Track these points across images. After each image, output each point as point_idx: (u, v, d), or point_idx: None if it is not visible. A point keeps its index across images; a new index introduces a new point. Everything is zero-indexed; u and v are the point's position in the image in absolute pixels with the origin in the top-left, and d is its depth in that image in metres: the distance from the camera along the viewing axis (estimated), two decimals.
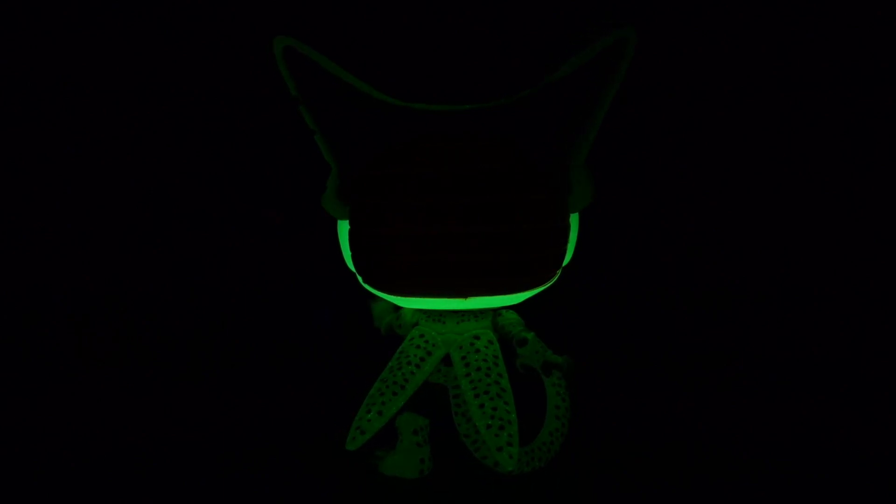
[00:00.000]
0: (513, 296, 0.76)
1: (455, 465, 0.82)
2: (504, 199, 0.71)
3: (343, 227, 0.78)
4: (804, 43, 1.01)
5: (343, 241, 0.78)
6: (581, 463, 0.85)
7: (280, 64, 0.72)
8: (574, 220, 0.78)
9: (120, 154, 1.07)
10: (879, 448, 0.87)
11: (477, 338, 0.77)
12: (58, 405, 1.00)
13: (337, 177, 0.77)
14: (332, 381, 1.03)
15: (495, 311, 0.80)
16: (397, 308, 0.83)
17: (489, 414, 0.71)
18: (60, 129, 1.06)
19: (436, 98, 0.76)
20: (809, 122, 1.03)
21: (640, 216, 1.08)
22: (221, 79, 1.03)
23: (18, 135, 1.05)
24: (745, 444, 0.89)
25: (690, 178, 1.06)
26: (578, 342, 0.84)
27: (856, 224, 1.04)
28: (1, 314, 1.08)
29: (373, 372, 0.79)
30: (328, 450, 0.87)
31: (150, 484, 0.82)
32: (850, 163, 1.04)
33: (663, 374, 1.05)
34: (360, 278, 0.78)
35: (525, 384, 0.79)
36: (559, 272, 0.77)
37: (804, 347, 1.05)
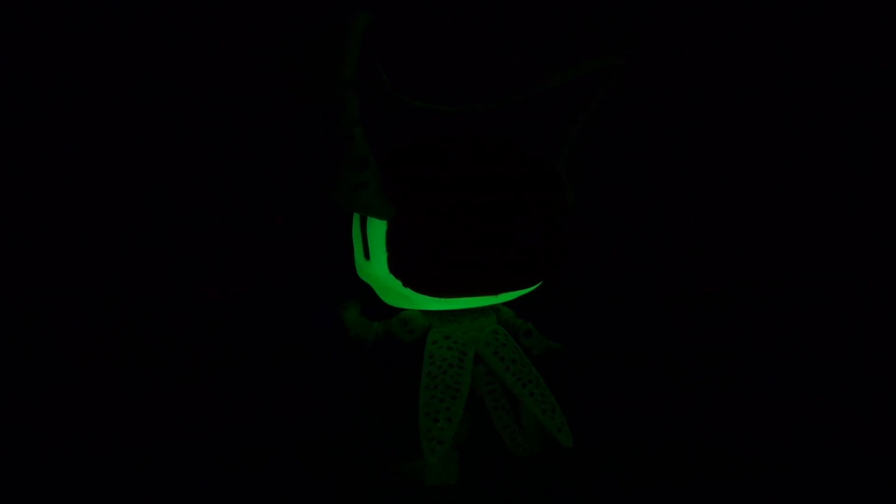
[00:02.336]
0: (525, 290, 0.77)
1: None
2: (540, 197, 0.74)
3: (379, 228, 0.73)
4: (804, 43, 1.01)
5: (376, 242, 0.73)
6: (581, 463, 0.85)
7: (353, 42, 0.64)
8: None
9: (120, 154, 1.07)
10: (879, 448, 0.87)
11: (496, 332, 0.78)
12: (58, 405, 1.00)
13: (378, 174, 0.70)
14: (332, 381, 1.03)
15: (495, 307, 0.81)
16: (393, 311, 0.80)
17: (540, 400, 0.75)
18: (60, 129, 1.06)
19: (436, 98, 0.76)
20: (809, 122, 1.03)
21: (640, 216, 1.08)
22: (221, 79, 1.03)
23: (18, 135, 1.05)
24: (745, 444, 0.89)
25: (690, 178, 1.06)
26: (579, 342, 0.84)
27: (856, 224, 1.04)
28: (1, 314, 1.08)
29: (372, 373, 0.79)
30: (328, 450, 0.87)
31: (151, 484, 0.82)
32: (850, 163, 1.04)
33: (663, 374, 1.05)
34: (398, 282, 0.73)
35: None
36: None
37: (804, 347, 1.05)
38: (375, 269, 0.74)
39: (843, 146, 1.03)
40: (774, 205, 1.06)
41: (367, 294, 0.79)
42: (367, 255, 0.75)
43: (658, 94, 1.01)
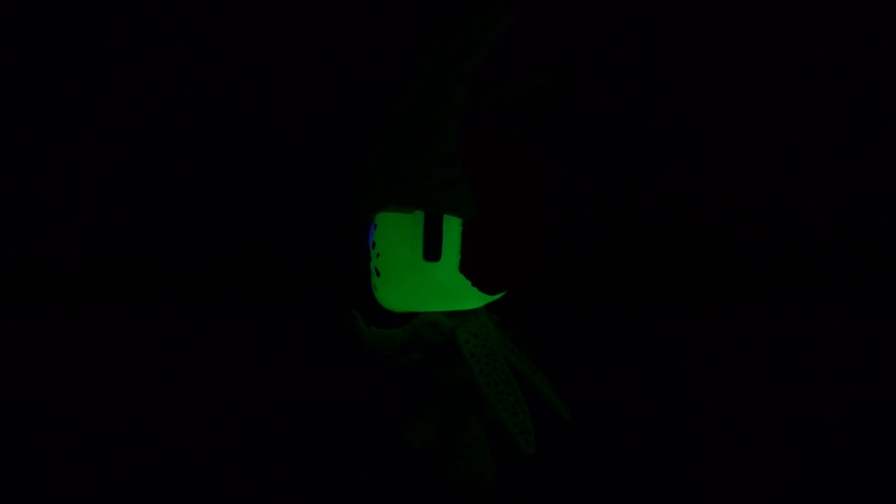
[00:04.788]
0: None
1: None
2: (544, 195, 0.76)
3: (453, 228, 0.70)
4: (804, 43, 1.01)
5: (448, 243, 0.71)
6: (581, 463, 0.85)
7: (493, 37, 0.64)
8: None
9: (120, 154, 1.08)
10: (880, 448, 0.87)
11: (496, 328, 0.79)
12: (58, 405, 1.00)
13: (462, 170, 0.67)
14: (332, 380, 1.03)
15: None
16: (404, 319, 0.77)
17: (548, 382, 0.79)
18: (61, 129, 1.06)
19: None
20: (809, 123, 1.03)
21: (640, 216, 1.08)
22: (221, 79, 1.04)
23: (18, 135, 1.06)
24: (745, 444, 0.89)
25: (690, 177, 1.06)
26: (577, 342, 0.84)
27: (856, 224, 1.04)
28: (1, 315, 1.09)
29: (372, 372, 0.79)
30: (328, 450, 0.87)
31: (150, 484, 0.82)
32: (850, 163, 1.04)
33: (663, 373, 1.05)
34: (462, 283, 0.72)
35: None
36: None
37: (804, 347, 1.05)
38: (441, 269, 0.72)
39: (842, 147, 1.03)
40: (774, 205, 1.06)
41: (364, 300, 0.78)
42: (433, 256, 0.71)
43: (658, 94, 1.02)
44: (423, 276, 0.72)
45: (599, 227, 1.05)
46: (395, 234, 0.72)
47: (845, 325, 1.05)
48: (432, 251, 0.70)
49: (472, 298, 0.74)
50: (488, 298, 0.75)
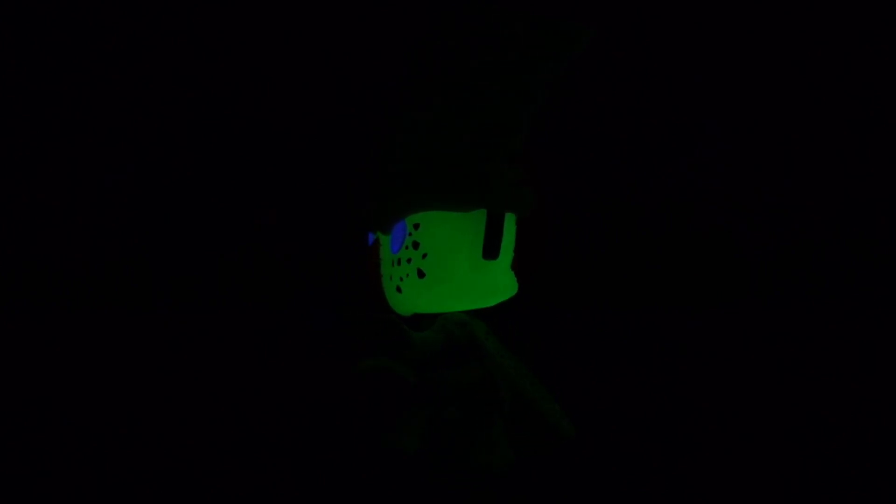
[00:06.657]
0: None
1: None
2: None
3: (511, 226, 0.71)
4: (804, 43, 1.01)
5: (506, 242, 0.71)
6: (581, 463, 0.85)
7: (581, 47, 0.68)
8: None
9: (120, 154, 1.08)
10: (880, 448, 0.87)
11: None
12: (58, 405, 1.00)
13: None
14: (331, 381, 1.03)
15: None
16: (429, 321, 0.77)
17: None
18: (60, 129, 1.06)
19: None
20: (809, 122, 1.03)
21: (640, 216, 1.08)
22: (222, 79, 1.04)
23: (18, 135, 1.06)
24: (745, 444, 0.89)
25: (690, 177, 1.06)
26: (577, 342, 0.84)
27: (856, 224, 1.04)
28: (1, 315, 1.09)
29: (372, 373, 0.79)
30: (329, 450, 0.87)
31: (151, 484, 0.82)
32: (850, 163, 1.04)
33: (663, 373, 1.05)
34: (509, 280, 0.73)
35: None
36: None
37: (804, 347, 1.05)
38: (495, 267, 0.72)
39: (842, 147, 1.03)
40: (774, 205, 1.06)
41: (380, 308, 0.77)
42: (493, 255, 0.70)
43: (657, 94, 1.02)
44: (477, 274, 0.72)
45: (599, 227, 1.05)
46: (449, 234, 0.71)
47: (845, 325, 1.05)
48: (493, 249, 0.70)
49: (499, 295, 0.74)
50: (510, 294, 0.75)
